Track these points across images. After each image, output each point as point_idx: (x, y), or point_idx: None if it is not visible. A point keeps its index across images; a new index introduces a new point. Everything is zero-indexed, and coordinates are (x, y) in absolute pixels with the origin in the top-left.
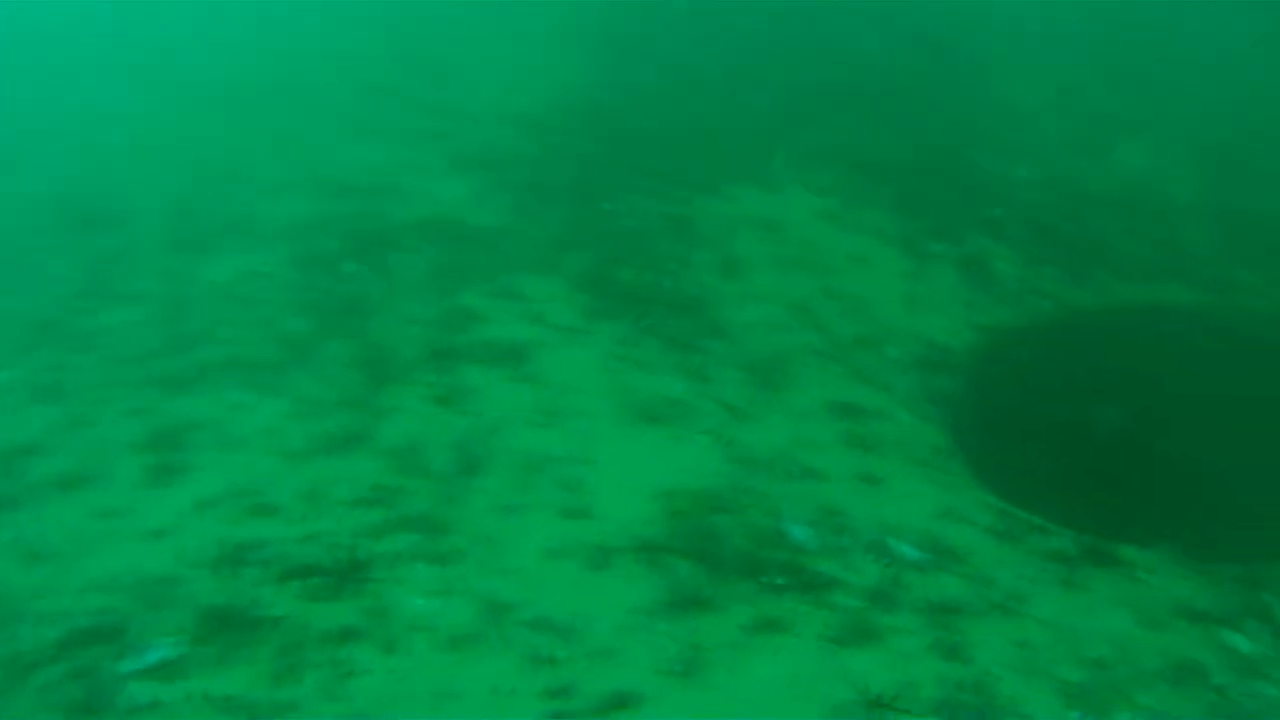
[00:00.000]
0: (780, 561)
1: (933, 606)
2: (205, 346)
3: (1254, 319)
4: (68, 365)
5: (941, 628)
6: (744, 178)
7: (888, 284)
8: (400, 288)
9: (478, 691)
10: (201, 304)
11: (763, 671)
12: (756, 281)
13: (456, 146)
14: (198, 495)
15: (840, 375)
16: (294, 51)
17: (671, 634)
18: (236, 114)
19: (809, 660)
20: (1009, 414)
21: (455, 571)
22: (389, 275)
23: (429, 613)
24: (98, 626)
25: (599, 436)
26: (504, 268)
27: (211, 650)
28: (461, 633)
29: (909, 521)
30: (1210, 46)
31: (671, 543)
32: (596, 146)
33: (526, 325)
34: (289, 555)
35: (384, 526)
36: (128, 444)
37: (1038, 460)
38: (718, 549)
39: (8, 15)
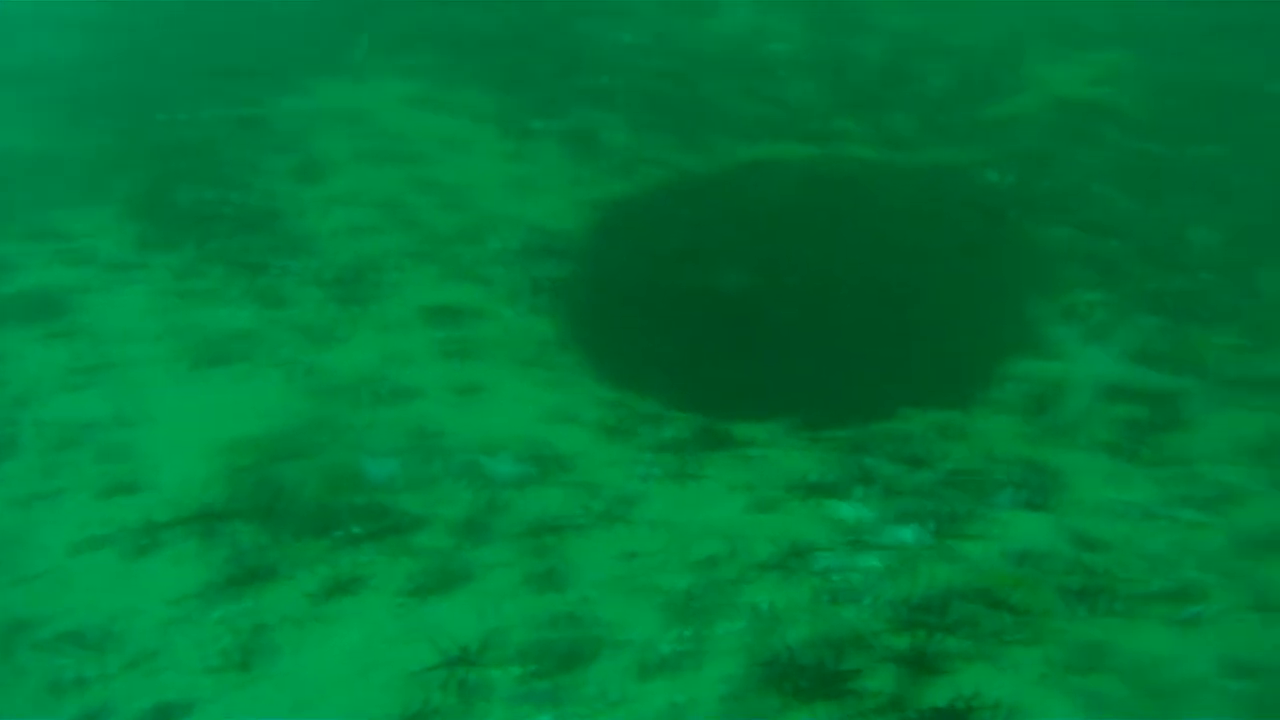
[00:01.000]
0: (358, 506)
1: (530, 530)
2: None
3: (864, 169)
4: None
5: (537, 555)
6: (323, 69)
7: (488, 168)
8: None
9: None
10: None
11: (332, 647)
12: (339, 183)
13: None
14: None
15: (436, 276)
16: None
17: (227, 621)
18: None
19: (385, 623)
20: (625, 295)
21: None
22: None
23: None
24: None
25: (151, 390)
26: (39, 202)
27: None
28: None
29: (511, 432)
30: None
31: (232, 505)
32: (153, 47)
33: (66, 268)
34: None
35: None
36: None
37: (657, 341)
38: (286, 504)
39: None
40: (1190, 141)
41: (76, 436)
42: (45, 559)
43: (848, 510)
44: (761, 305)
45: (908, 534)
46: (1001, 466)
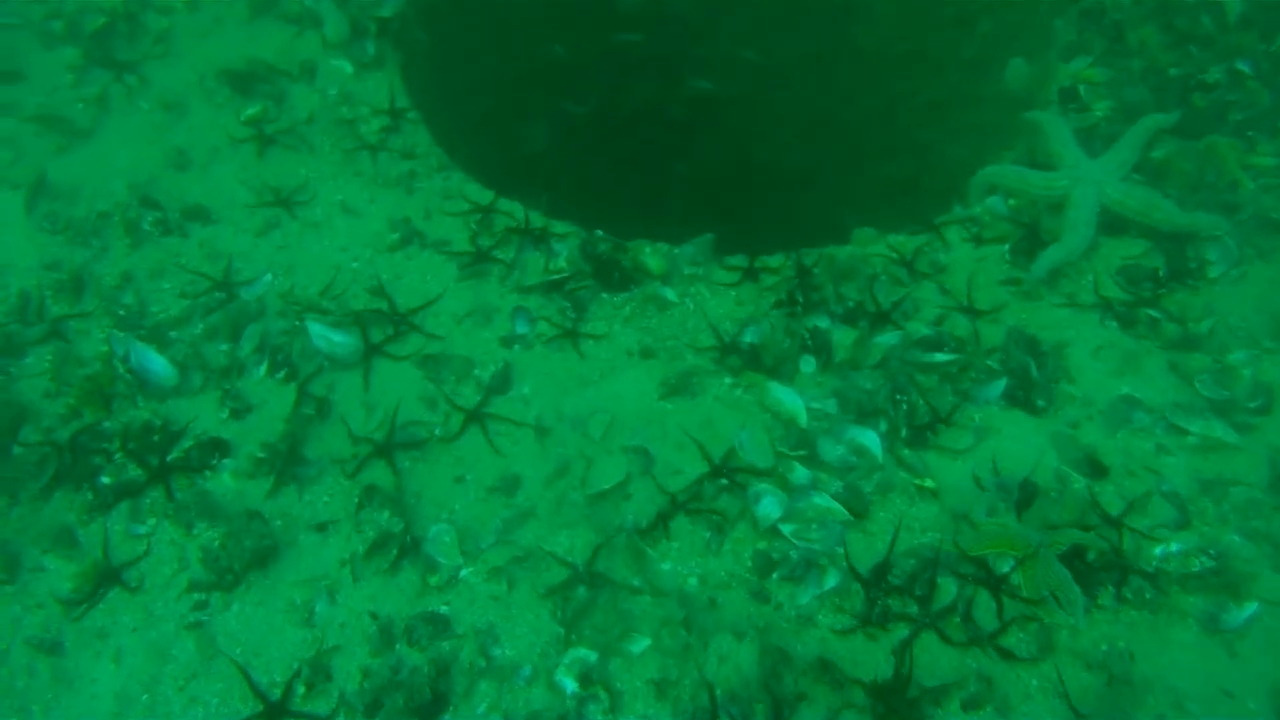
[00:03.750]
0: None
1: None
2: None
3: None
4: None
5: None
6: None
7: None
8: None
9: None
10: None
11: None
12: None
13: None
14: None
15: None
16: None
17: None
18: None
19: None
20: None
21: None
22: None
23: None
24: None
25: None
26: None
27: None
28: None
29: (343, 265)
30: None
31: None
32: None
33: None
34: None
35: None
36: None
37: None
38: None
39: None
40: None
41: None
42: None
43: (793, 400)
44: (669, 82)
45: (871, 440)
46: (987, 330)
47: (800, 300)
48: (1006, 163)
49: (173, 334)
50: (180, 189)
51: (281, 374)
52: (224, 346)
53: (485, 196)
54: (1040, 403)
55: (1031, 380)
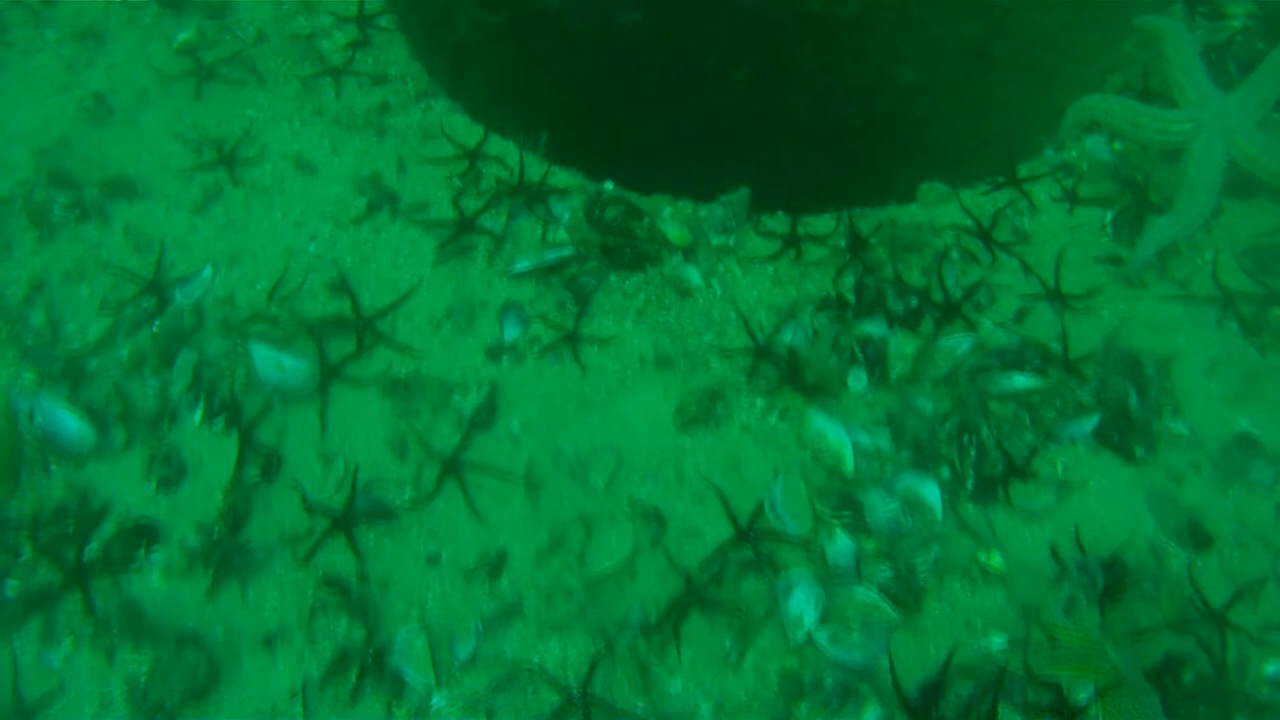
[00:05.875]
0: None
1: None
2: None
3: None
4: None
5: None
6: None
7: None
8: None
9: None
10: None
11: None
12: None
13: None
14: None
15: None
16: None
17: None
18: None
19: None
20: None
21: None
22: None
23: None
24: None
25: None
26: None
27: None
28: None
29: (297, 248)
30: None
31: None
32: None
33: None
34: None
35: None
36: None
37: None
38: None
39: None
40: None
41: None
42: None
43: (838, 436)
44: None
45: (930, 493)
46: (1078, 329)
47: (851, 303)
48: (1110, 89)
49: (92, 364)
50: (100, 152)
51: (221, 421)
52: (153, 383)
53: (473, 133)
54: (1139, 451)
55: (1130, 418)
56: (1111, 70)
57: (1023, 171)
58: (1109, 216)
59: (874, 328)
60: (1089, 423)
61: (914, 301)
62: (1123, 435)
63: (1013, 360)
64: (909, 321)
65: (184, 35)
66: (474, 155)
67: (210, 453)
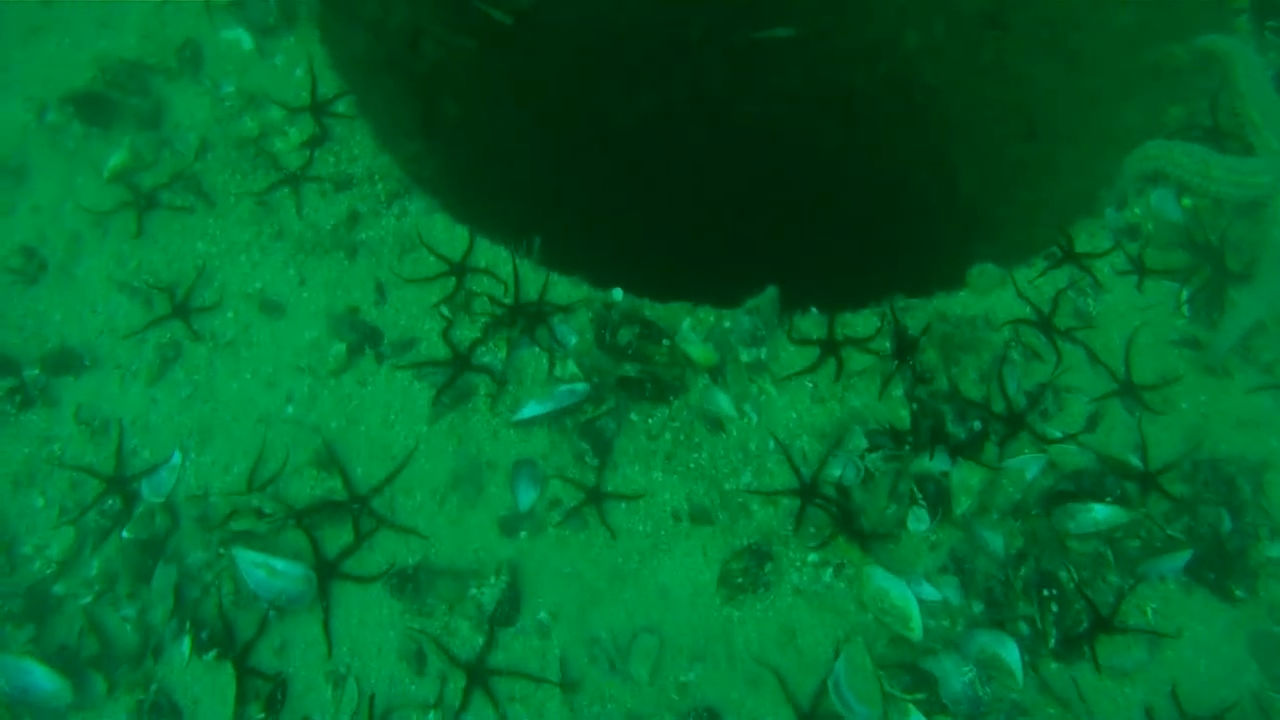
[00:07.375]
0: None
1: None
2: None
3: None
4: None
5: None
6: None
7: None
8: None
9: None
10: None
11: None
12: None
13: None
14: None
15: None
16: None
17: None
18: None
19: None
20: None
21: None
22: None
23: None
24: None
25: None
26: None
27: None
28: None
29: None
30: None
31: None
32: None
33: None
34: None
35: None
36: None
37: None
38: None
39: None
40: None
41: None
42: None
43: (902, 594)
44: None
45: (1009, 652)
46: (1156, 434)
47: (904, 429)
48: (1172, 123)
49: (58, 589)
50: (35, 319)
51: (212, 654)
52: (129, 610)
53: (456, 237)
54: (1239, 593)
55: (1226, 553)
56: (1170, 101)
57: (1081, 236)
58: (1185, 295)
59: (934, 464)
60: (1180, 558)
61: (976, 425)
62: (1219, 575)
63: (1090, 486)
64: (972, 448)
65: (116, 158)
66: (461, 269)
67: (206, 691)
